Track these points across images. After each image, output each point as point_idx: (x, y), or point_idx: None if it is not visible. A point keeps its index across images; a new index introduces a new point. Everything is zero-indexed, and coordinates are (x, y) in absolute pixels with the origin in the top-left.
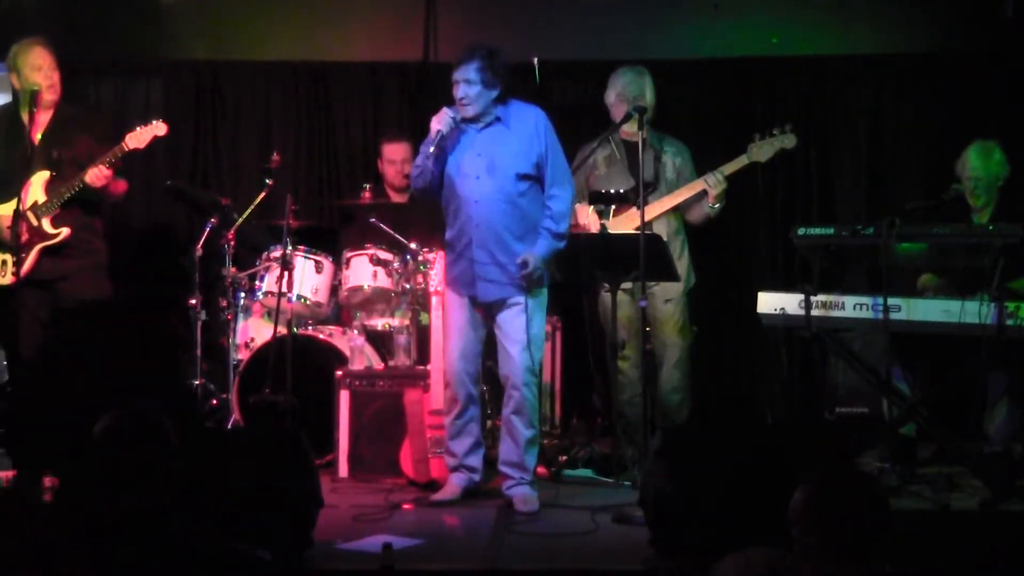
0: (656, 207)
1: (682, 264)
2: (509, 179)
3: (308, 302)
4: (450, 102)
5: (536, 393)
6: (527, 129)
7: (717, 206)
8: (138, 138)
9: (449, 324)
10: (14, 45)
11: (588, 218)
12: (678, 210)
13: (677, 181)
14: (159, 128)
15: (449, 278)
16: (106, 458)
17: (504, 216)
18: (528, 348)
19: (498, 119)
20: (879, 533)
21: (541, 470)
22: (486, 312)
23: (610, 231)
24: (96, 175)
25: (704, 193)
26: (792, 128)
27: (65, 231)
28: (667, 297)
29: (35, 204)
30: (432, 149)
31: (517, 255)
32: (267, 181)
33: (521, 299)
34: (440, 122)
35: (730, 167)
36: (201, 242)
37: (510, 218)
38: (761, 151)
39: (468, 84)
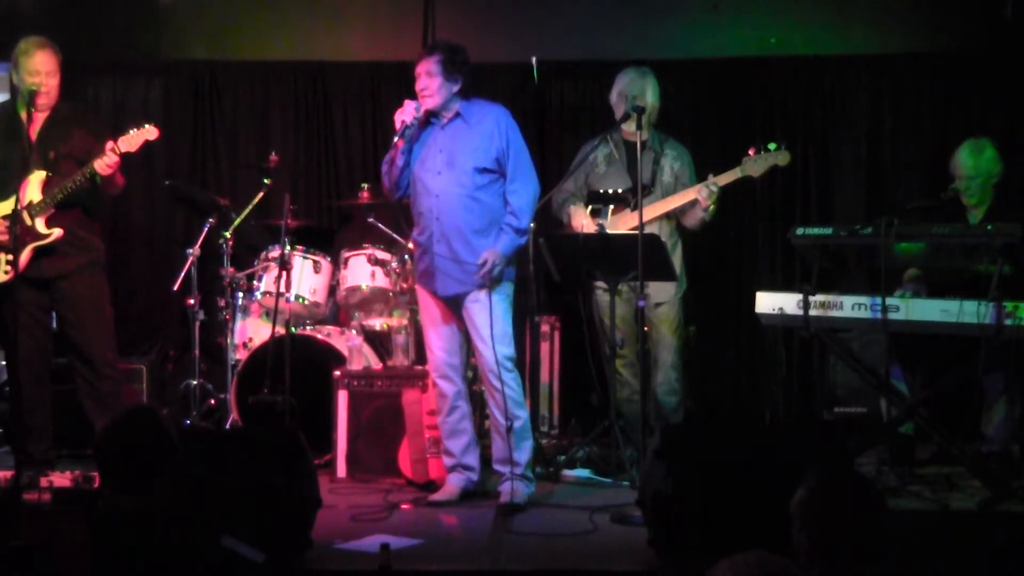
0: (648, 212)
1: (675, 268)
2: (467, 173)
3: (306, 302)
4: None
5: (509, 383)
6: (487, 125)
7: (711, 208)
8: (129, 141)
9: (425, 319)
10: (22, 41)
11: (583, 220)
12: (672, 215)
13: (674, 185)
14: (150, 132)
15: (416, 274)
16: (106, 458)
17: (464, 210)
18: (493, 341)
19: (459, 115)
20: (876, 533)
21: None
22: (452, 307)
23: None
24: (104, 164)
25: (698, 199)
26: (787, 145)
27: (57, 232)
28: (660, 300)
29: (30, 204)
30: (396, 140)
31: (478, 250)
32: (265, 181)
33: (481, 294)
34: (404, 113)
35: (723, 178)
36: (200, 242)
37: (470, 212)
38: (756, 165)
39: (429, 76)
